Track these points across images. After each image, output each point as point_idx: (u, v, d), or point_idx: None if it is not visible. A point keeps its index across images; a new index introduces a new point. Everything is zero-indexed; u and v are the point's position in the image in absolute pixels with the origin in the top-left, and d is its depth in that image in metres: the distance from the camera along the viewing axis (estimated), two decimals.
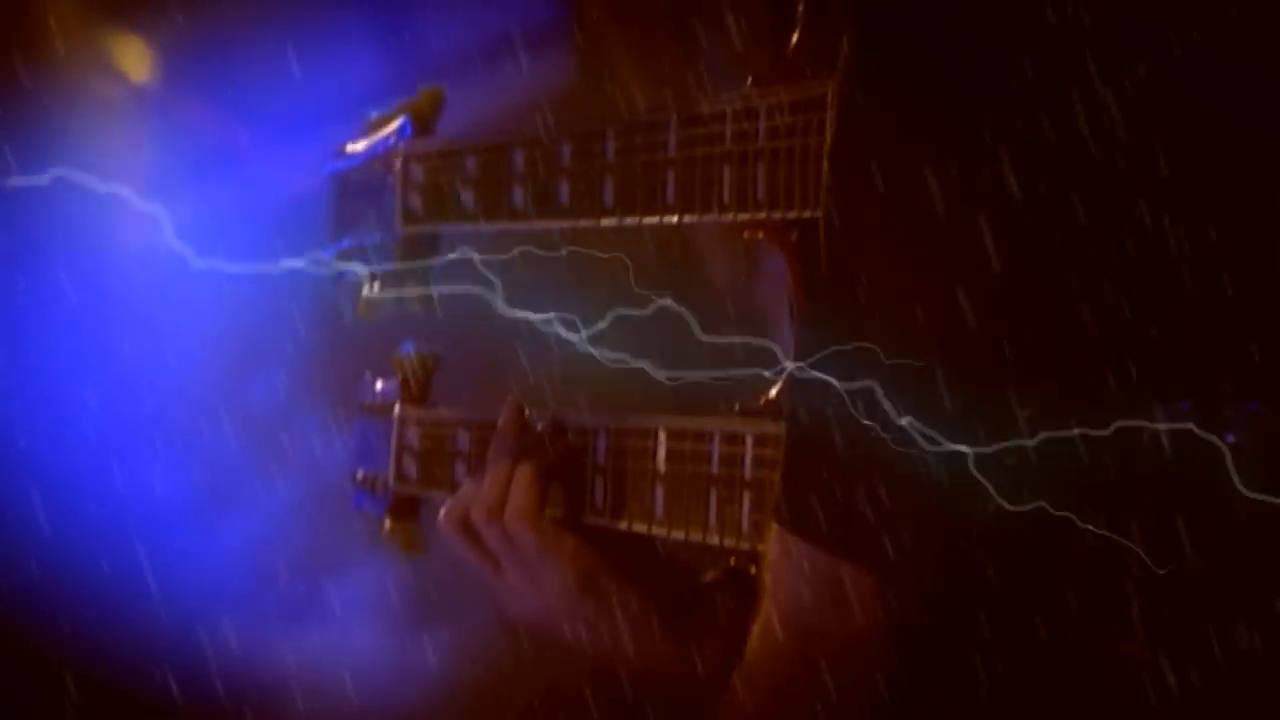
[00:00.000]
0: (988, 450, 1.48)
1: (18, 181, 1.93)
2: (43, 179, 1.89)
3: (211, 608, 2.83)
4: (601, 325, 1.86)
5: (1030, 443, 1.47)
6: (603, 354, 1.88)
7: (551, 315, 1.87)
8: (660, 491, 1.97)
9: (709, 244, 2.39)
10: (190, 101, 2.72)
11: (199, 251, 2.01)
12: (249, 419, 2.87)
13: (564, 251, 1.96)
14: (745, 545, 1.88)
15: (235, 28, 2.68)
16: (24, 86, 2.68)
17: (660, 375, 1.84)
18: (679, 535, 1.95)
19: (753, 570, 1.96)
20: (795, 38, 1.85)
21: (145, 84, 2.81)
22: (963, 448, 1.49)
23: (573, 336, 1.87)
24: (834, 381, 1.55)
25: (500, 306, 1.92)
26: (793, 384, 1.62)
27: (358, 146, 2.41)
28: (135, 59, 2.81)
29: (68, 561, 2.78)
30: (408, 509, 2.40)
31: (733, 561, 2.02)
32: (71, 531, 2.77)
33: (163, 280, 2.50)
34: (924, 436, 1.49)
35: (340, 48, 2.61)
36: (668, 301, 1.82)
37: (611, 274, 1.96)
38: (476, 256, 1.94)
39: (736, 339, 1.82)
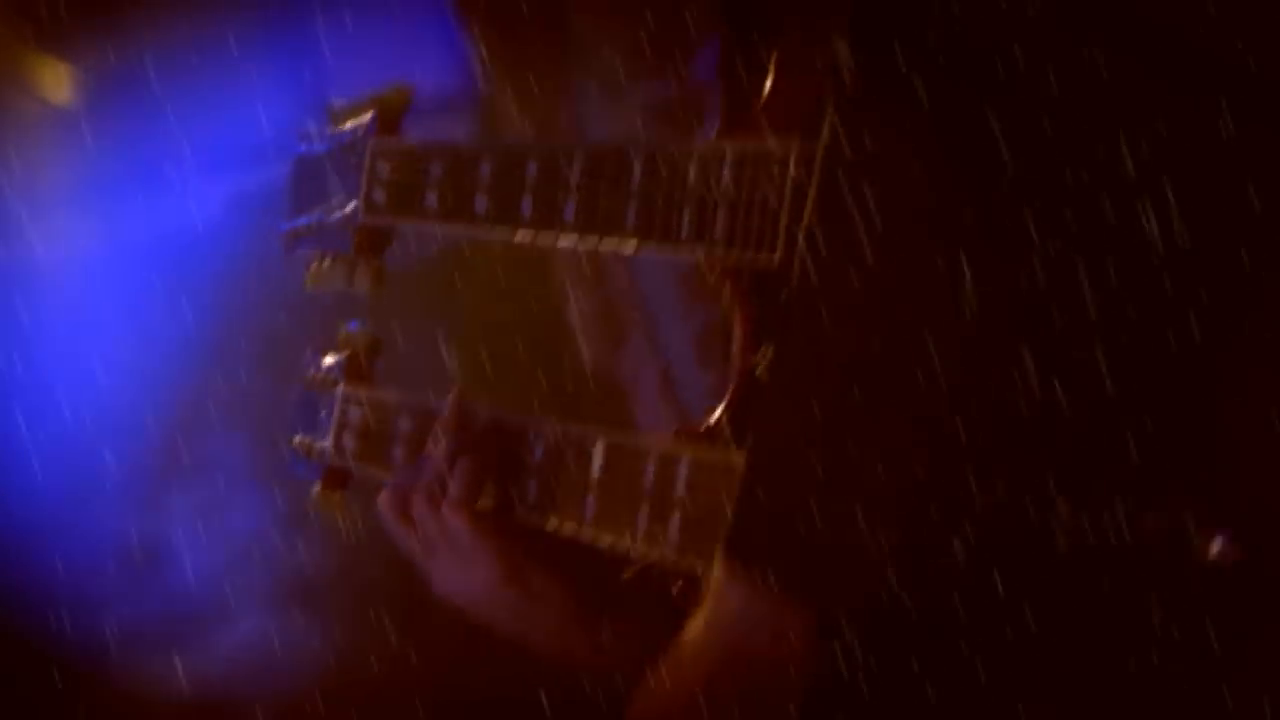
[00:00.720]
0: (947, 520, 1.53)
1: None
2: None
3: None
4: None
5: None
6: None
7: None
8: (592, 499, 2.01)
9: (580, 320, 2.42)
10: (110, 127, 2.71)
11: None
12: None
13: None
14: (670, 560, 1.92)
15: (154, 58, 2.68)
16: None
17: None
18: (606, 542, 1.99)
19: (677, 585, 2.01)
20: (765, 92, 1.89)
21: (68, 107, 2.80)
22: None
23: None
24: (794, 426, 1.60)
25: None
26: (756, 422, 1.67)
27: (323, 132, 2.43)
28: (57, 83, 2.81)
29: None
30: (339, 480, 2.43)
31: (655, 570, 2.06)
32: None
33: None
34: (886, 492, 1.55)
35: (247, 87, 2.62)
36: None
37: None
38: None
39: None
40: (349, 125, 2.37)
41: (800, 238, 1.74)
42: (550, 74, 2.40)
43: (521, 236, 2.08)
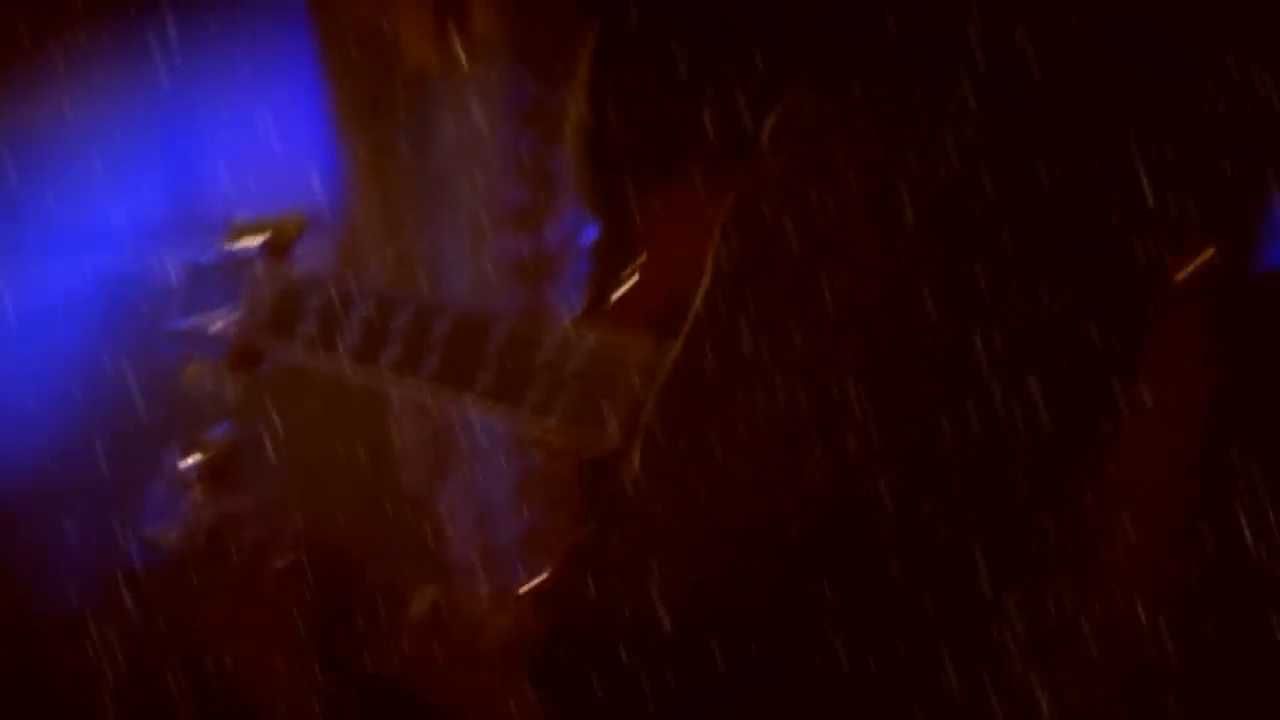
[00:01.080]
0: None
1: None
2: None
3: None
4: None
5: None
6: None
7: None
8: (409, 643, 2.07)
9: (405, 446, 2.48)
10: None
11: None
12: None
13: None
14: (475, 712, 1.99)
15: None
16: None
17: None
18: (419, 688, 2.06)
19: None
20: (622, 291, 1.97)
21: None
22: None
23: None
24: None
25: None
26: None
27: (220, 243, 2.49)
28: None
29: None
30: (183, 576, 2.48)
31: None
32: None
33: None
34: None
35: (123, 173, 2.67)
36: None
37: None
38: None
39: None
40: (243, 243, 2.43)
41: (639, 433, 1.83)
42: (413, 210, 2.47)
43: (381, 381, 2.15)
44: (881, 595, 1.67)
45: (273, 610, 2.17)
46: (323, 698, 2.14)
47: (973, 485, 1.66)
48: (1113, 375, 1.65)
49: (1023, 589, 1.67)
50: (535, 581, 1.98)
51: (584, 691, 1.74)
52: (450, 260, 2.27)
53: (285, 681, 2.15)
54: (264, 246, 2.39)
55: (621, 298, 1.99)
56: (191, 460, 2.49)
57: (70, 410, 2.57)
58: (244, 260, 2.40)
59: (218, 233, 2.50)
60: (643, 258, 1.99)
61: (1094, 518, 1.66)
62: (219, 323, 2.43)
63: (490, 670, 1.97)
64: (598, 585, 1.79)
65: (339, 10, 2.35)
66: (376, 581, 2.13)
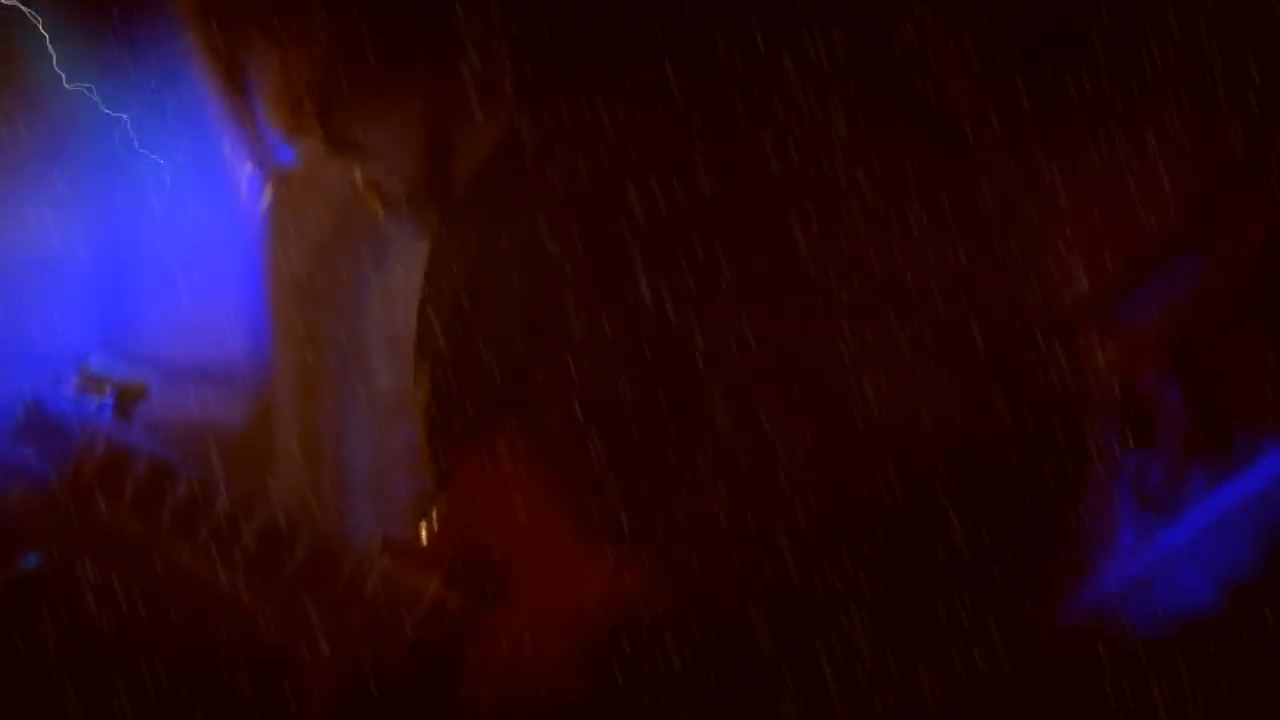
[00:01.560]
0: None
1: None
2: None
3: None
4: None
5: None
6: None
7: None
8: None
9: None
10: None
11: None
12: None
13: None
14: None
15: None
16: None
17: None
18: None
19: None
20: (428, 531, 2.14)
21: None
22: None
23: None
24: None
25: None
26: None
27: (69, 389, 2.57)
28: None
29: None
30: None
31: None
32: None
33: None
34: None
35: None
36: None
37: None
38: None
39: None
40: (90, 396, 2.52)
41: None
42: (328, 385, 2.57)
43: (188, 561, 2.26)
44: None
45: None
46: None
47: None
48: None
49: None
50: None
51: None
52: (354, 440, 2.40)
53: None
54: (108, 403, 2.48)
55: (429, 536, 2.14)
56: None
57: None
58: (87, 414, 2.49)
59: (71, 375, 2.58)
60: (453, 504, 2.14)
61: None
62: (46, 463, 2.51)
63: None
64: None
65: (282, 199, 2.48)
66: None
